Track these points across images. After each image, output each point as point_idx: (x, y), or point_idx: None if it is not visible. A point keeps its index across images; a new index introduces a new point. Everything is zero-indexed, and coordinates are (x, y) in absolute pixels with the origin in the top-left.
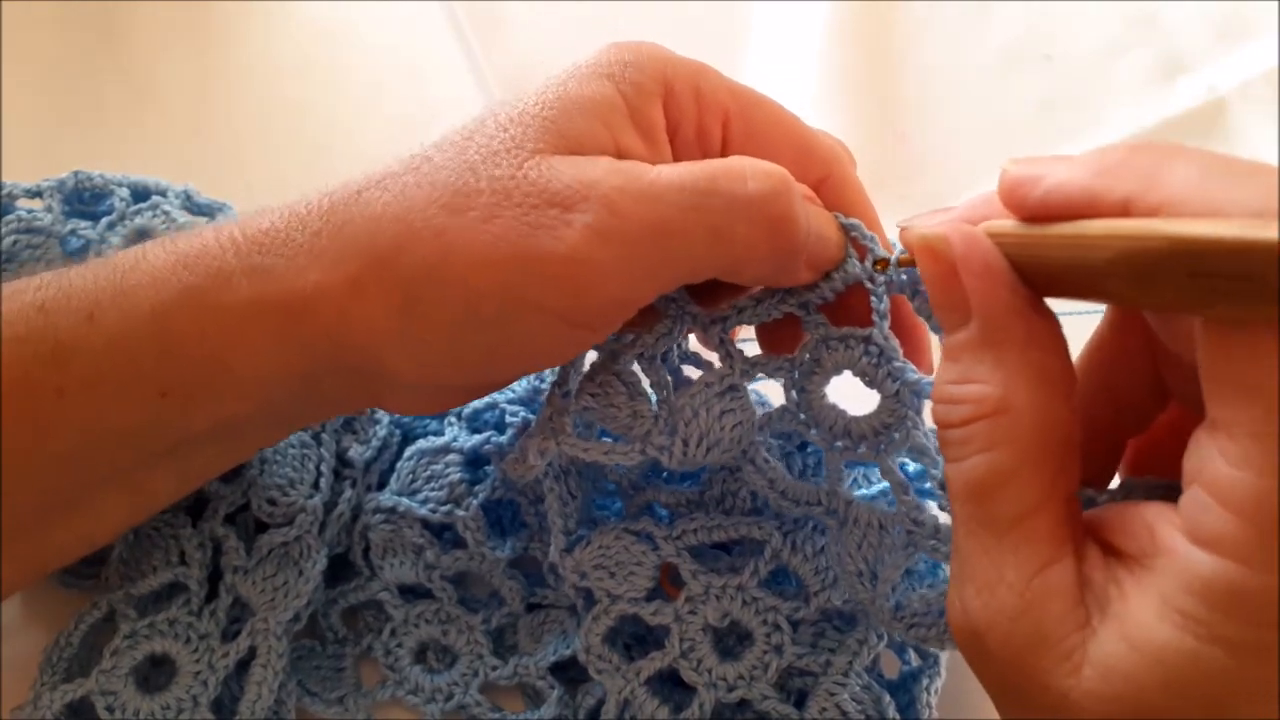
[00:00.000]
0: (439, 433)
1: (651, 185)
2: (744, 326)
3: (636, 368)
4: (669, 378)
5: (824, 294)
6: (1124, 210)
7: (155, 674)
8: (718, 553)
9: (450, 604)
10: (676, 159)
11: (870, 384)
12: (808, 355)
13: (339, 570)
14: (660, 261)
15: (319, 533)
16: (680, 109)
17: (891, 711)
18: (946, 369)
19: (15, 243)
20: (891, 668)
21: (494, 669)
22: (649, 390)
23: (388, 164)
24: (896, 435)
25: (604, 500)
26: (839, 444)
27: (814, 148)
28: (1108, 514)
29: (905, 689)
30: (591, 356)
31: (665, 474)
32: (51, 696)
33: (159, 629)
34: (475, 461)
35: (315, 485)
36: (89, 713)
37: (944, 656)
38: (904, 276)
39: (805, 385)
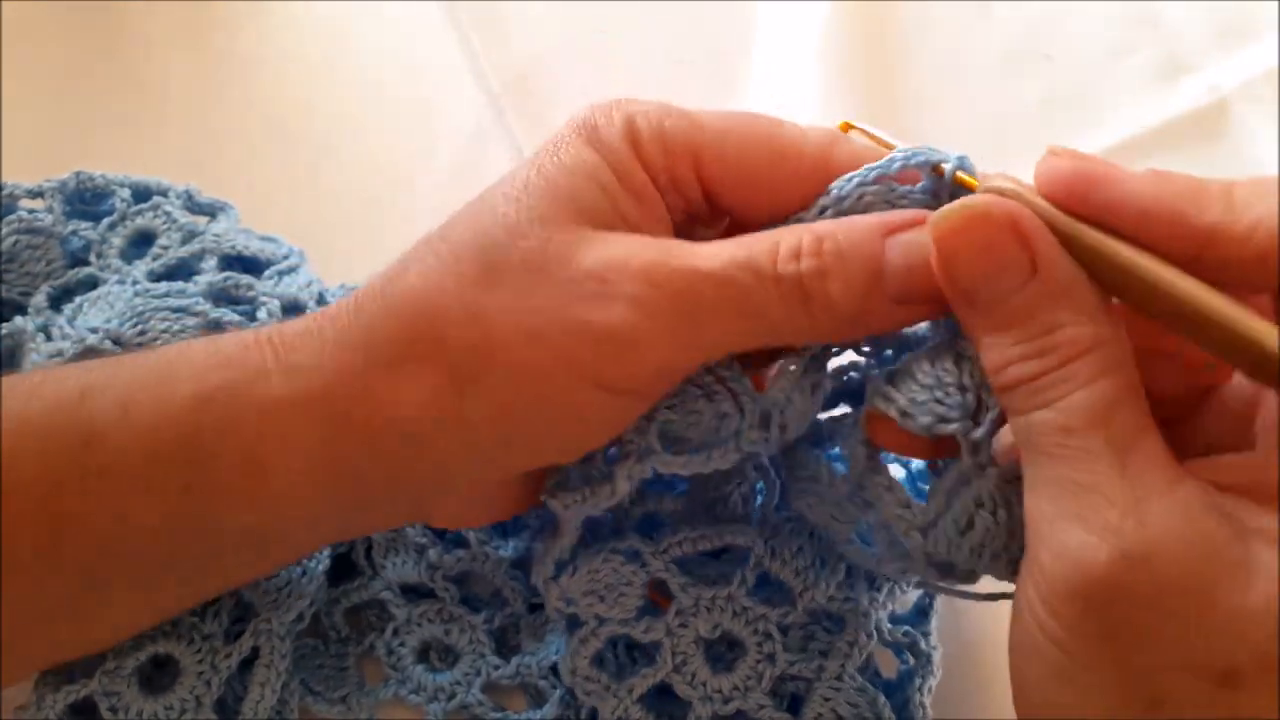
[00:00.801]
0: None
1: (684, 262)
2: None
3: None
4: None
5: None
6: (1210, 237)
7: (158, 675)
8: (705, 559)
9: (453, 603)
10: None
11: None
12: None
13: (342, 570)
14: (700, 336)
15: None
16: (651, 162)
17: (887, 712)
18: (1014, 329)
19: (16, 243)
20: (889, 666)
21: (496, 668)
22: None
23: (404, 254)
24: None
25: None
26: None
27: (799, 155)
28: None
29: (901, 689)
30: None
31: (658, 481)
32: (54, 697)
33: (162, 629)
34: None
35: None
36: (92, 713)
37: (937, 655)
38: None
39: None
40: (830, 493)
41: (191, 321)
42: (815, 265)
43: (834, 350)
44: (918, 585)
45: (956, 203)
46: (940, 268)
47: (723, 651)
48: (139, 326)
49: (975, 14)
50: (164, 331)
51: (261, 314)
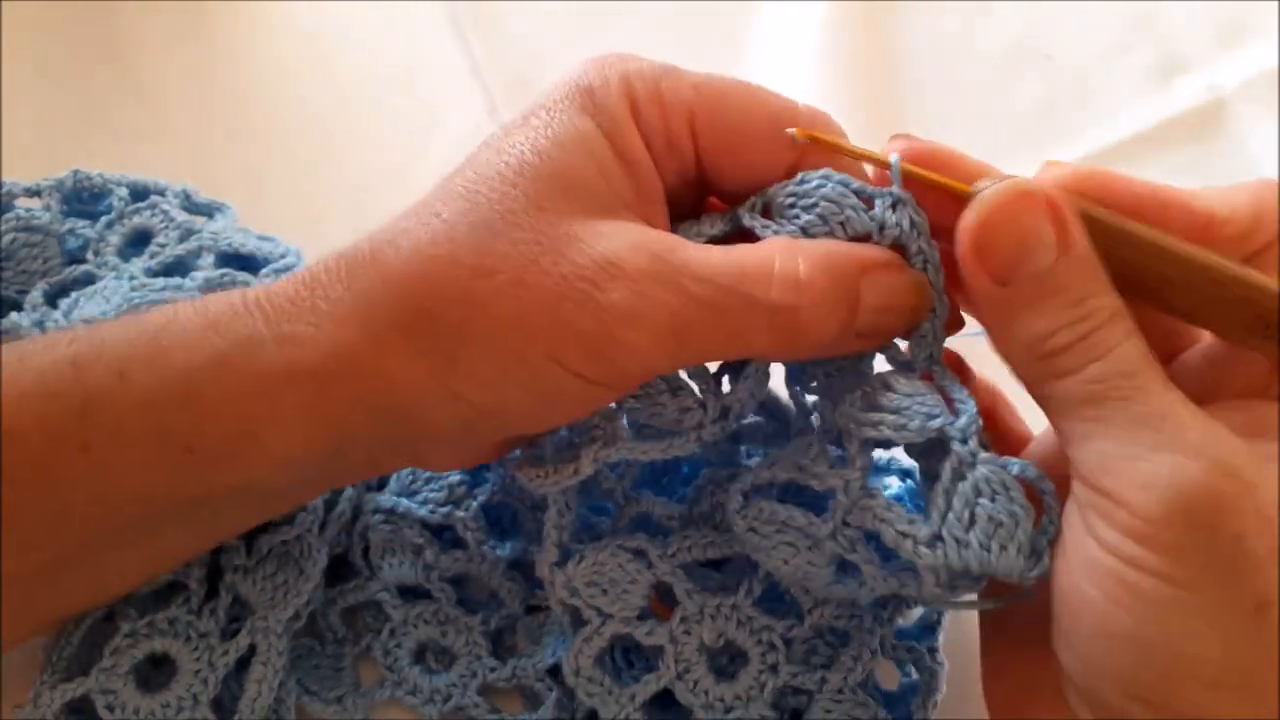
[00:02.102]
0: None
1: (677, 274)
2: None
3: None
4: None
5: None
6: (1208, 226)
7: (155, 674)
8: (708, 571)
9: (449, 605)
10: (659, 172)
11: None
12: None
13: (339, 570)
14: (685, 349)
15: (319, 531)
16: (648, 124)
17: None
18: (1055, 298)
19: (14, 241)
20: (891, 680)
21: (492, 670)
22: (689, 381)
23: (395, 219)
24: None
25: (595, 506)
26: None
27: (789, 126)
28: None
29: (904, 702)
30: None
31: (656, 486)
32: (51, 695)
33: (159, 628)
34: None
35: None
36: (89, 712)
37: (943, 671)
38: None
39: None
40: (808, 537)
41: None
42: (806, 301)
43: None
44: (925, 603)
45: (1000, 185)
46: (977, 250)
47: (725, 661)
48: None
49: (975, 14)
50: None
51: None
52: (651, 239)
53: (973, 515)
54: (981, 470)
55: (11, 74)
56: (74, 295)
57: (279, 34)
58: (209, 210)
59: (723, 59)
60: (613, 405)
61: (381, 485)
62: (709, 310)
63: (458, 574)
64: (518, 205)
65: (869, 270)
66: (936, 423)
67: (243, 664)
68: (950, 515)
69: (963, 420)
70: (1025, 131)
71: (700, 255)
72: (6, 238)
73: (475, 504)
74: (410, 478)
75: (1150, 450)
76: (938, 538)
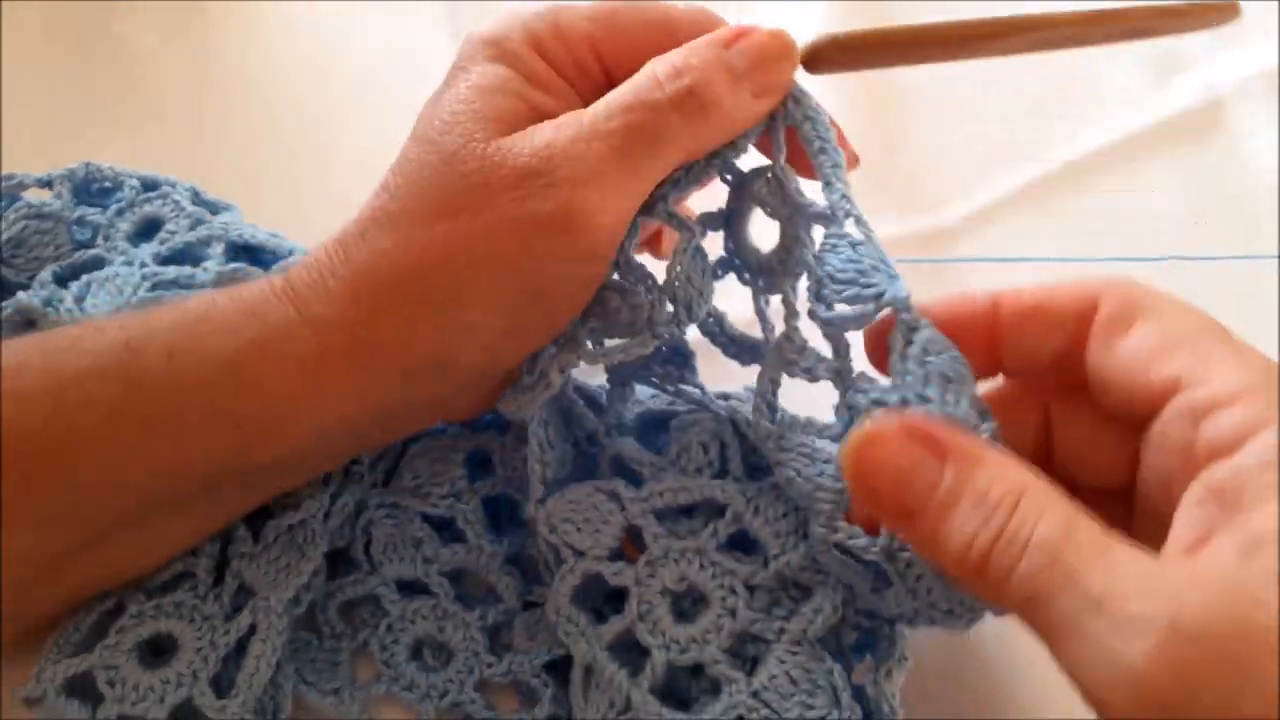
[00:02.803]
0: (441, 432)
1: (592, 128)
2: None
3: (616, 275)
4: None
5: (740, 148)
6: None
7: (157, 657)
8: (680, 517)
9: (447, 600)
10: (578, 94)
11: (773, 215)
12: (730, 204)
13: (339, 566)
14: (632, 181)
15: (324, 520)
16: (554, 57)
17: (841, 683)
18: (963, 506)
19: (24, 228)
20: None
21: (489, 666)
22: (637, 285)
23: (369, 200)
24: (795, 255)
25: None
26: (760, 282)
27: (677, 30)
28: None
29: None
30: None
31: (635, 434)
32: (55, 670)
33: (165, 610)
34: (476, 460)
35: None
36: (90, 690)
37: (903, 642)
38: (795, 109)
39: (735, 230)
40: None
41: None
42: (693, 81)
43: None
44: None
45: (851, 441)
46: (870, 503)
47: (688, 604)
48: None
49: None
50: None
51: None
52: (566, 119)
53: (926, 374)
54: (925, 333)
55: (11, 74)
56: (84, 279)
57: (279, 34)
58: (215, 209)
59: None
60: (573, 324)
61: (387, 481)
62: (631, 133)
63: (456, 568)
64: (457, 145)
65: (728, 42)
66: (885, 296)
67: (243, 649)
68: (909, 378)
69: (899, 285)
70: (1022, 131)
71: (598, 105)
72: (16, 225)
73: (477, 497)
74: (413, 473)
75: (1102, 641)
76: (905, 401)
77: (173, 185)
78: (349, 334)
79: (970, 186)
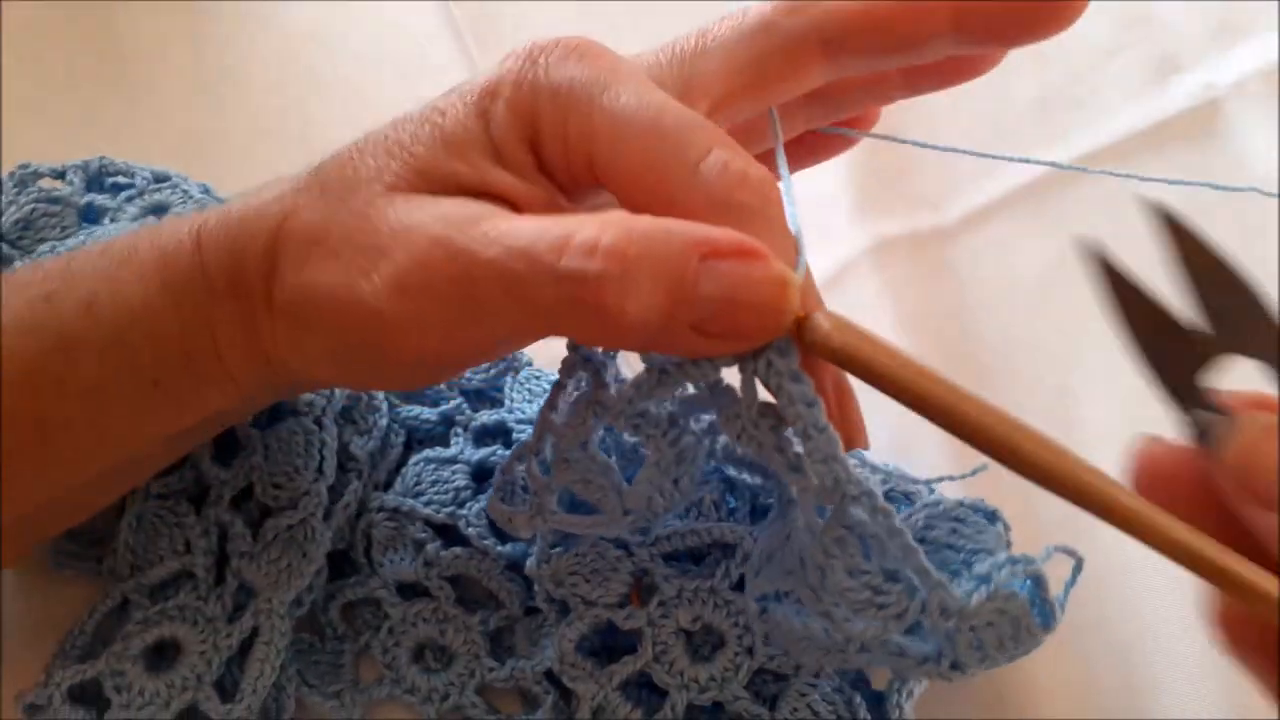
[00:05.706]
0: (445, 443)
1: (470, 240)
2: None
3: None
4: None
5: (706, 373)
6: None
7: (162, 661)
8: (688, 565)
9: (448, 604)
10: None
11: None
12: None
13: (340, 568)
14: (470, 323)
15: (324, 519)
16: (549, 155)
17: (863, 712)
18: None
19: (34, 211)
20: (881, 679)
21: (491, 670)
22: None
23: (296, 176)
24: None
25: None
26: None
27: (691, 187)
28: None
29: (880, 693)
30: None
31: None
32: (62, 675)
33: (169, 614)
34: (480, 474)
35: (319, 470)
36: (95, 696)
37: None
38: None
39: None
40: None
41: None
42: (602, 270)
43: (689, 431)
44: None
45: (1251, 424)
46: (1246, 488)
47: (700, 643)
48: None
49: None
50: None
51: None
52: (470, 210)
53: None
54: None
55: (11, 74)
56: (80, 235)
57: (278, 35)
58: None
59: None
60: (548, 478)
61: (388, 484)
62: (495, 275)
63: (457, 573)
64: (363, 177)
65: (710, 254)
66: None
67: (246, 650)
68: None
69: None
70: (1020, 131)
71: (511, 222)
72: (26, 207)
73: (479, 504)
74: (416, 480)
75: None
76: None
77: (184, 179)
78: (249, 282)
79: (969, 185)
